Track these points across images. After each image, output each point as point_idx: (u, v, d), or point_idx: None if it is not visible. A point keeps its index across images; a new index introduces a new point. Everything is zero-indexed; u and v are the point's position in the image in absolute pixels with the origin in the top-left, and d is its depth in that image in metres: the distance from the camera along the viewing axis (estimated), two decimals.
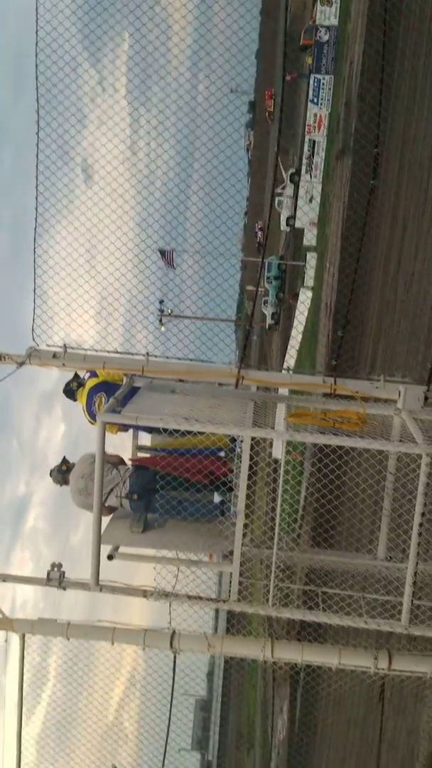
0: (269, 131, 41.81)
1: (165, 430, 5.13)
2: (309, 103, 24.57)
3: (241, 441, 4.86)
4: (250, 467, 5.02)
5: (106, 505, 5.49)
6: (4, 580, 4.82)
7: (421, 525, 4.68)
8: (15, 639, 5.34)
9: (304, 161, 25.84)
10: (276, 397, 6.19)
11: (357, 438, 4.73)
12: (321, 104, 24.25)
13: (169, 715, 6.43)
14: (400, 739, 9.64)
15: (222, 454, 5.77)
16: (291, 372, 5.97)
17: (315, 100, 24.22)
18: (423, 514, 4.65)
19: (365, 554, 5.89)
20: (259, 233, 41.71)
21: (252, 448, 4.80)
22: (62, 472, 5.82)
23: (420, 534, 4.70)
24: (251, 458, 4.83)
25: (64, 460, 6.05)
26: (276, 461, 5.88)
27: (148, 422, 4.83)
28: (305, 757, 17.01)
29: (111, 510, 5.66)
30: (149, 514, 5.51)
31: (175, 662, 5.53)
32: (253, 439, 4.81)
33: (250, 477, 5.00)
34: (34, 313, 5.63)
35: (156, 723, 6.92)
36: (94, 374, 5.95)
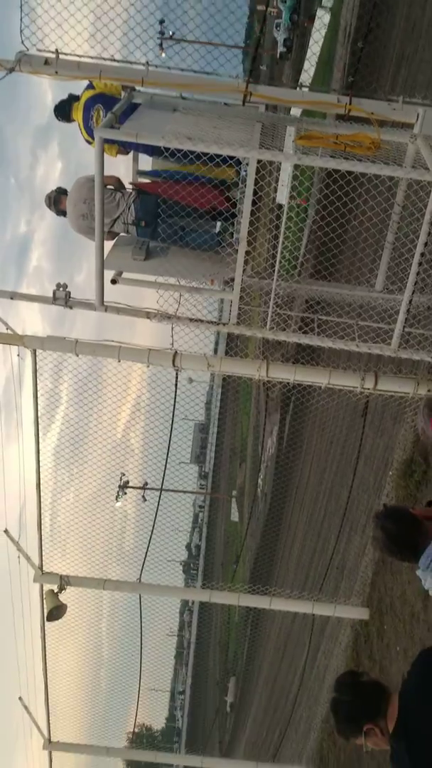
0: None
1: (167, 150, 4.87)
2: None
3: (246, 164, 4.65)
4: (254, 203, 4.87)
5: (110, 230, 5.43)
6: (11, 298, 4.97)
7: (422, 255, 4.70)
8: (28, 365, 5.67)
9: None
10: (286, 119, 5.77)
11: (368, 163, 4.52)
12: None
13: (171, 429, 7.08)
14: (377, 454, 10.81)
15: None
16: (304, 89, 5.47)
17: None
18: (426, 244, 4.64)
19: (363, 287, 6.00)
20: None
21: (256, 183, 4.61)
22: (60, 193, 5.64)
23: (420, 264, 4.74)
24: (255, 194, 4.67)
25: (60, 188, 5.85)
26: (280, 207, 5.70)
27: (148, 141, 4.56)
28: (290, 468, 19.28)
29: (113, 236, 5.61)
30: (152, 242, 5.48)
31: (177, 381, 5.97)
32: (259, 162, 4.59)
33: (253, 213, 4.88)
34: (21, 11, 4.99)
35: (159, 440, 7.66)
36: (90, 86, 5.47)
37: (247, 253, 4.92)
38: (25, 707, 7.45)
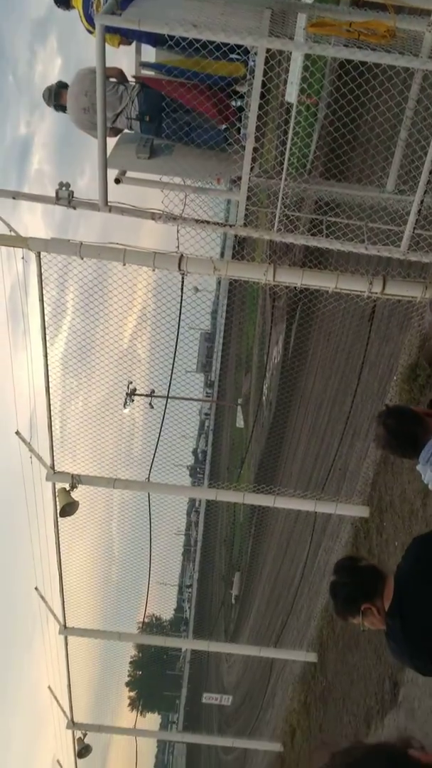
0: None
1: (171, 39, 4.62)
2: None
3: (255, 54, 4.42)
4: (262, 96, 4.66)
5: (112, 126, 5.23)
6: (14, 198, 4.88)
7: None
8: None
9: None
10: (297, 5, 5.43)
11: (382, 53, 4.30)
12: None
13: (177, 334, 7.10)
14: (382, 361, 10.86)
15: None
16: None
17: None
18: None
19: (374, 187, 5.84)
20: None
21: (265, 74, 4.39)
22: (61, 87, 5.39)
23: None
24: (264, 86, 4.46)
25: (60, 82, 5.58)
26: (289, 106, 5.44)
27: (151, 28, 4.32)
28: (295, 376, 19.40)
29: (116, 132, 5.41)
30: (156, 140, 5.29)
31: (183, 285, 5.94)
32: (268, 52, 4.37)
33: (261, 107, 4.68)
34: None
35: (165, 348, 7.69)
36: None
37: (255, 150, 4.77)
38: (41, 596, 7.91)
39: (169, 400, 8.81)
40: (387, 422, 3.15)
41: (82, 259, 5.31)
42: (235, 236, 5.97)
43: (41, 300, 5.54)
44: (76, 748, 9.42)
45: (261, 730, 14.16)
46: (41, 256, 5.38)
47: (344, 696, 8.17)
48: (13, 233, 5.36)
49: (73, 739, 9.55)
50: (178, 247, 5.39)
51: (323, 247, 5.10)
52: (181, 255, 5.39)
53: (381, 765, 1.04)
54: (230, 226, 5.01)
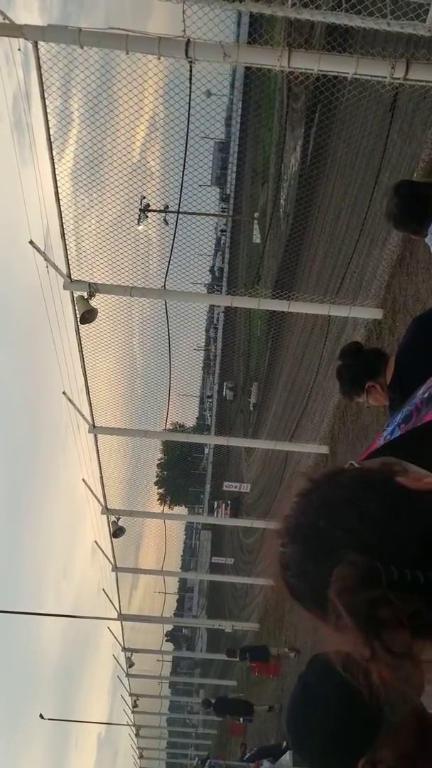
0: None
1: None
2: None
3: None
4: None
5: None
6: None
7: None
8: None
9: None
10: None
11: None
12: None
13: (186, 131, 6.79)
14: (403, 162, 10.35)
15: None
16: None
17: None
18: None
19: None
20: None
21: None
22: None
23: None
24: None
25: None
26: None
27: None
28: (313, 186, 18.63)
29: None
30: None
31: (191, 74, 5.56)
32: None
33: None
34: None
35: (178, 160, 7.36)
36: None
37: None
38: (69, 399, 8.42)
39: (183, 215, 8.66)
40: (400, 190, 3.16)
41: (82, 48, 4.96)
42: (251, 21, 5.47)
43: (42, 97, 5.28)
44: (111, 529, 10.59)
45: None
46: (39, 47, 5.04)
47: None
48: (7, 21, 4.98)
49: (108, 523, 10.70)
50: (184, 30, 4.99)
51: (342, 24, 4.70)
52: (188, 39, 5.01)
53: (371, 494, 0.97)
54: (240, 1, 4.60)
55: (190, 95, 5.48)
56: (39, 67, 5.02)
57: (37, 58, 5.03)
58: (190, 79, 5.24)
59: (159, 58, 5.12)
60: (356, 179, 14.49)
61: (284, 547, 1.00)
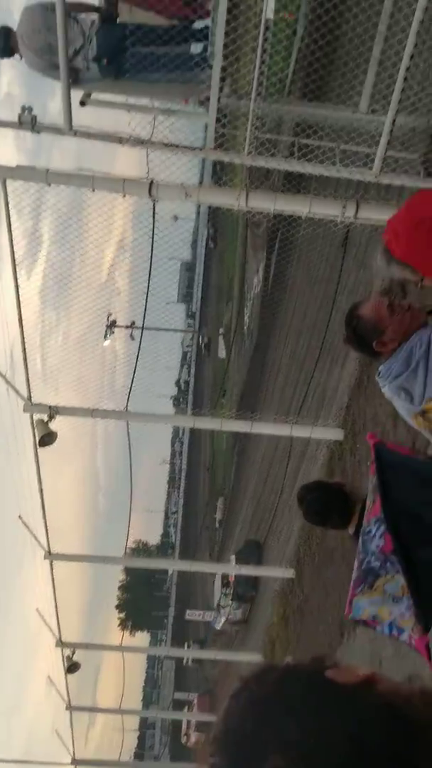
0: None
1: None
2: None
3: None
4: (231, 10, 4.46)
5: (70, 65, 4.82)
6: None
7: (408, 69, 4.43)
8: None
9: None
10: None
11: None
12: None
13: (150, 260, 7.02)
14: (359, 289, 10.88)
15: None
16: None
17: None
18: (412, 57, 4.36)
19: (348, 106, 5.70)
20: None
21: None
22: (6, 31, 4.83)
23: (405, 79, 4.48)
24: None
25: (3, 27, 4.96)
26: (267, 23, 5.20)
27: None
28: (275, 306, 19.40)
29: (74, 73, 4.99)
30: (121, 77, 4.99)
31: (154, 212, 5.84)
32: None
33: (229, 23, 4.48)
34: None
35: (145, 279, 7.60)
36: None
37: (224, 69, 4.61)
38: (25, 524, 8.11)
39: (149, 331, 8.79)
40: (351, 320, 3.20)
41: (49, 185, 5.19)
42: (214, 163, 5.83)
43: (9, 230, 5.45)
44: (66, 665, 9.91)
45: (245, 644, 14.88)
46: (7, 184, 5.25)
47: (320, 608, 8.61)
48: None
49: (62, 657, 10.03)
50: (147, 172, 5.27)
51: (295, 170, 5.02)
52: (152, 181, 5.28)
53: (298, 690, 0.95)
54: (200, 149, 4.90)
55: (153, 230, 5.71)
56: (7, 204, 5.21)
57: (5, 194, 5.23)
58: (153, 216, 5.48)
59: (124, 196, 5.37)
60: (315, 302, 15.13)
61: (212, 756, 0.97)
